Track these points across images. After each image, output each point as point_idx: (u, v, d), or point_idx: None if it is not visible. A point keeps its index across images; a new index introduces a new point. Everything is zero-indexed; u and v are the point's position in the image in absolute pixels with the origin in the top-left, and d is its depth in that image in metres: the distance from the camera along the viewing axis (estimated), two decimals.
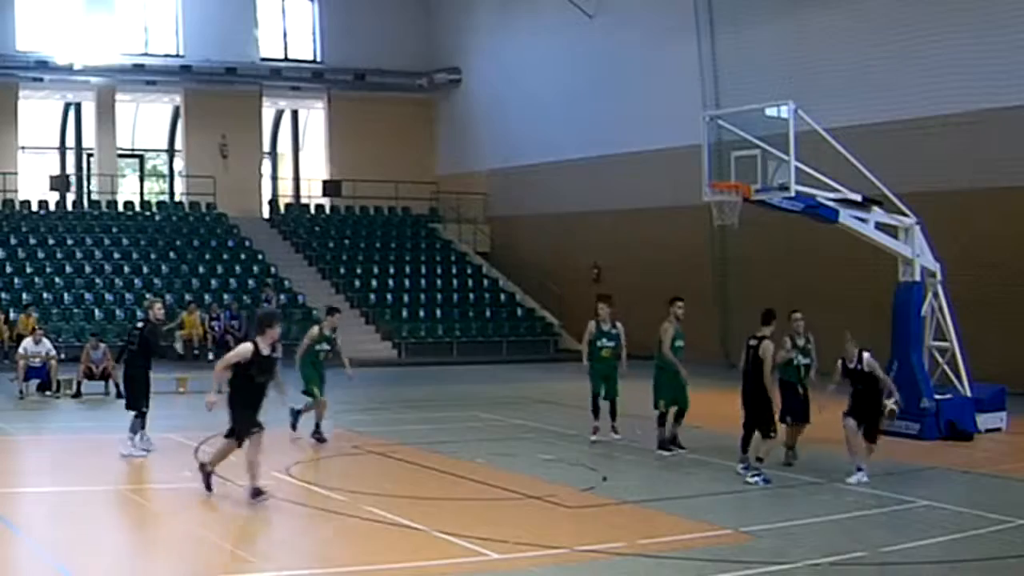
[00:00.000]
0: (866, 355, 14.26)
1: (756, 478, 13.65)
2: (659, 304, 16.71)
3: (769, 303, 14.80)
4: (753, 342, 14.03)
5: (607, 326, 17.15)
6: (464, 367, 31.06)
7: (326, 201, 40.84)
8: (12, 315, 29.11)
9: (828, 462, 14.95)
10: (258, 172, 40.96)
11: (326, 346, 17.32)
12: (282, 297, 34.03)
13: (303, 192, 42.47)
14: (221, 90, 38.80)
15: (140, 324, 16.52)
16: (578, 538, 11.17)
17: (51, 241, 34.36)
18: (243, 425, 12.84)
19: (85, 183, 39.24)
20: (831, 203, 17.95)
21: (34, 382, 22.41)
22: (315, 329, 17.57)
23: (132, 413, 15.82)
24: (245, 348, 12.94)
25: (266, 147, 41.93)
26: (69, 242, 34.53)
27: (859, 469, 14.01)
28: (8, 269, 32.57)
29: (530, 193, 37.74)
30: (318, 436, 17.12)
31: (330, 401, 17.62)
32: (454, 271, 38.08)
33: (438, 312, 35.69)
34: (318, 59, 41.11)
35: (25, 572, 10.22)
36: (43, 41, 36.79)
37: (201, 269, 34.76)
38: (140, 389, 16.02)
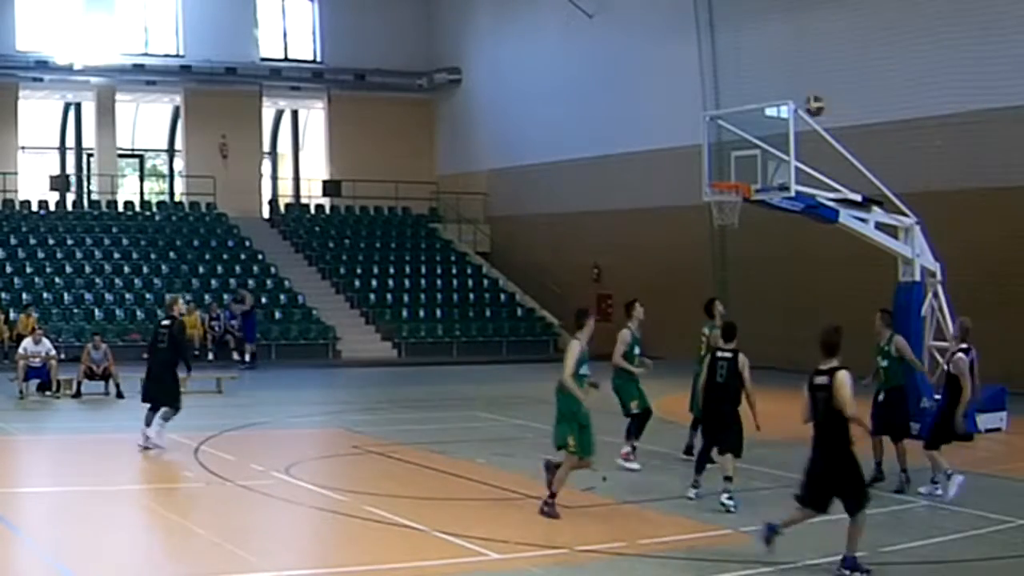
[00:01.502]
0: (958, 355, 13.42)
1: (731, 501, 12.46)
2: (659, 304, 16.67)
3: (769, 303, 14.68)
4: (728, 355, 12.81)
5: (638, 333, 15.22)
6: (464, 367, 31.02)
7: (326, 201, 40.82)
8: (12, 315, 29.11)
9: None
10: (258, 172, 40.97)
11: (587, 373, 12.43)
12: (285, 297, 34.07)
13: (303, 192, 42.47)
14: (221, 90, 38.79)
15: (167, 322, 16.51)
16: (578, 538, 11.16)
17: (51, 241, 34.34)
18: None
19: (85, 183, 39.24)
20: (831, 203, 17.94)
21: (34, 382, 22.37)
22: (574, 345, 12.29)
23: (167, 409, 16.02)
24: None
25: (266, 147, 41.93)
26: (69, 242, 34.51)
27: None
28: (8, 269, 32.55)
29: (530, 193, 37.74)
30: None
31: (329, 401, 17.57)
32: (454, 271, 38.06)
33: (438, 312, 35.67)
34: (318, 59, 41.10)
35: (25, 572, 10.21)
36: (43, 41, 36.77)
37: (201, 269, 34.76)
38: (175, 386, 16.20)
